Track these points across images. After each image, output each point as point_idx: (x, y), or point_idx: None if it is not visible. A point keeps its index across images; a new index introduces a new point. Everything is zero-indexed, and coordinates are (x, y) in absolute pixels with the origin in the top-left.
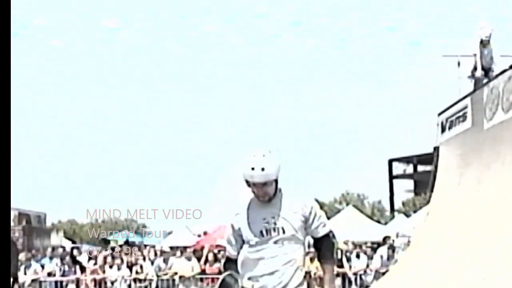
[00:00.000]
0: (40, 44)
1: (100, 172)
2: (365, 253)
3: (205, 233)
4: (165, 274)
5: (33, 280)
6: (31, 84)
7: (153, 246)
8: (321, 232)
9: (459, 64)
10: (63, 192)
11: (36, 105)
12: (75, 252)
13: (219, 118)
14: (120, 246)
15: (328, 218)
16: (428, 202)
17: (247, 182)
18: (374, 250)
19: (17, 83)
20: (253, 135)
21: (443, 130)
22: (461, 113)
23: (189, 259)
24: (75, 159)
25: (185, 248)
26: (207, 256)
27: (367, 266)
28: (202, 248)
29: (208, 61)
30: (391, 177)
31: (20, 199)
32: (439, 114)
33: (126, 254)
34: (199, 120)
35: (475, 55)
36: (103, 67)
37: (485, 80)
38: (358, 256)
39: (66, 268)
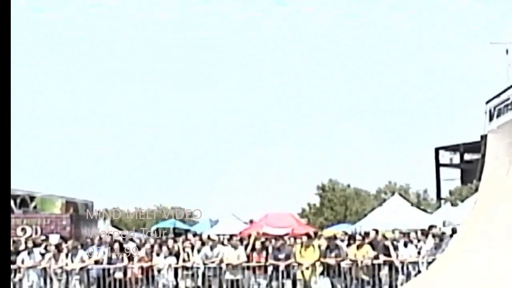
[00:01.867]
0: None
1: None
2: (411, 242)
3: (251, 221)
4: (212, 262)
5: (81, 268)
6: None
7: (200, 234)
8: None
9: (507, 51)
10: (109, 180)
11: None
12: (122, 240)
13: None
14: (167, 234)
15: (373, 208)
16: (475, 191)
17: None
18: (421, 239)
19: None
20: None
21: (491, 118)
22: (509, 101)
23: (235, 247)
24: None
25: (231, 236)
26: (254, 244)
27: (416, 254)
28: (249, 236)
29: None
30: (438, 165)
31: (68, 187)
32: (487, 102)
33: (173, 242)
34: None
35: None
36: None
37: None
38: (405, 245)
39: (114, 256)
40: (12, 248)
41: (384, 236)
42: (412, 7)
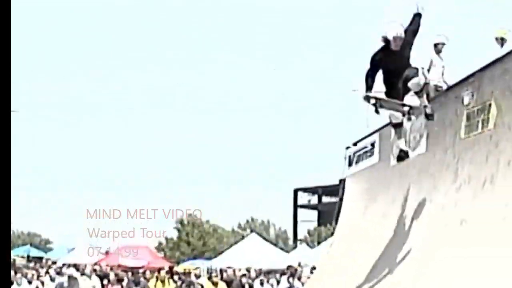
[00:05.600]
0: None
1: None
2: (268, 281)
3: (106, 252)
4: None
5: None
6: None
7: (55, 262)
8: None
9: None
10: None
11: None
12: None
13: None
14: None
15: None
16: (332, 233)
17: None
18: (277, 278)
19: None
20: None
21: (350, 163)
22: (367, 149)
23: (90, 277)
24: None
25: (86, 265)
26: (108, 276)
27: None
28: (107, 266)
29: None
30: (296, 206)
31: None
32: (347, 148)
33: (27, 269)
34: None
35: None
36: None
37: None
38: (262, 283)
39: None
40: None
41: (241, 274)
42: None
